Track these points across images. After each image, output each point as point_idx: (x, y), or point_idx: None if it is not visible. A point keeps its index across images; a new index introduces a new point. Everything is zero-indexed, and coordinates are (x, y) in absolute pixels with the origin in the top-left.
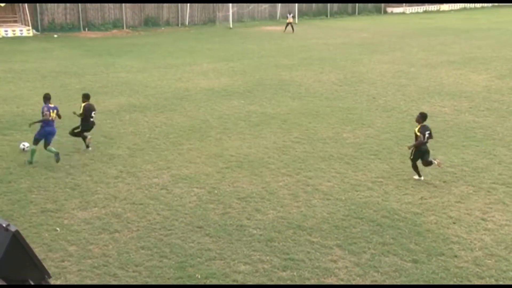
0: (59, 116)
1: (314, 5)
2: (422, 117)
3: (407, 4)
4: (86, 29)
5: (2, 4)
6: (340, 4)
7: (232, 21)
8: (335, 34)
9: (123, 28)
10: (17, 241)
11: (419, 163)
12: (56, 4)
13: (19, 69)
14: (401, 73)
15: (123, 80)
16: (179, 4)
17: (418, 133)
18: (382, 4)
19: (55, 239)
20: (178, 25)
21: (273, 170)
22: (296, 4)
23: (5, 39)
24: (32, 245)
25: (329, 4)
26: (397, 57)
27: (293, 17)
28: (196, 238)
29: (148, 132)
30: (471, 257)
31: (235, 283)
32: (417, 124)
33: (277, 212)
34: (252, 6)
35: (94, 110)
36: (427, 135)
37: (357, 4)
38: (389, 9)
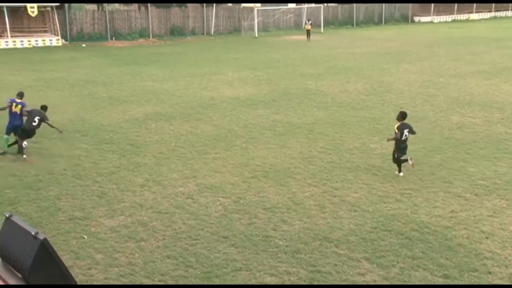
0: (22, 112)
1: (340, 14)
2: (402, 115)
3: (436, 13)
4: (113, 38)
5: (33, 14)
6: (366, 13)
7: (258, 30)
8: (361, 44)
9: (149, 37)
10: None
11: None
12: (84, 14)
13: (49, 78)
14: (429, 83)
15: (149, 89)
16: (205, 13)
17: (396, 130)
18: (409, 13)
19: (82, 247)
20: (203, 34)
21: (299, 181)
22: (322, 13)
23: (35, 49)
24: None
25: (355, 13)
26: (425, 66)
27: (311, 24)
28: (221, 248)
29: (173, 140)
30: (506, 274)
31: None
32: (397, 121)
33: (303, 223)
34: (277, 15)
35: (36, 116)
36: (405, 133)
37: (383, 13)
38: (416, 18)
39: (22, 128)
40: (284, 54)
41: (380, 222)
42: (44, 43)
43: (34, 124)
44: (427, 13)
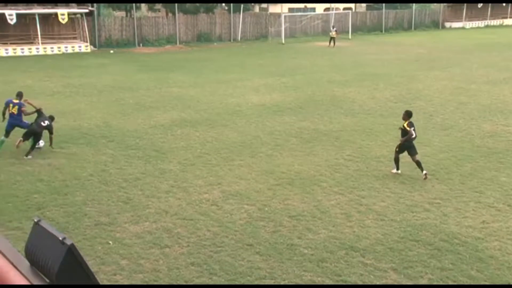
0: (22, 112)
1: (368, 20)
2: (408, 114)
3: (468, 18)
4: (141, 44)
5: (64, 21)
6: (395, 19)
7: (284, 36)
8: (390, 50)
9: (176, 43)
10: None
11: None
12: (113, 20)
13: (77, 84)
14: (460, 90)
15: (175, 95)
16: (232, 19)
17: (408, 128)
18: (440, 19)
19: (107, 253)
20: (230, 40)
21: (325, 188)
22: (350, 19)
23: (65, 55)
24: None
25: (383, 19)
26: (456, 73)
27: (336, 31)
28: (246, 256)
29: (199, 147)
30: None
31: None
32: (403, 121)
33: (329, 231)
34: (304, 21)
35: (45, 119)
36: (412, 132)
37: (413, 19)
38: (447, 24)
39: (29, 128)
40: (311, 61)
41: (408, 232)
42: (73, 50)
43: (43, 125)
44: (458, 18)
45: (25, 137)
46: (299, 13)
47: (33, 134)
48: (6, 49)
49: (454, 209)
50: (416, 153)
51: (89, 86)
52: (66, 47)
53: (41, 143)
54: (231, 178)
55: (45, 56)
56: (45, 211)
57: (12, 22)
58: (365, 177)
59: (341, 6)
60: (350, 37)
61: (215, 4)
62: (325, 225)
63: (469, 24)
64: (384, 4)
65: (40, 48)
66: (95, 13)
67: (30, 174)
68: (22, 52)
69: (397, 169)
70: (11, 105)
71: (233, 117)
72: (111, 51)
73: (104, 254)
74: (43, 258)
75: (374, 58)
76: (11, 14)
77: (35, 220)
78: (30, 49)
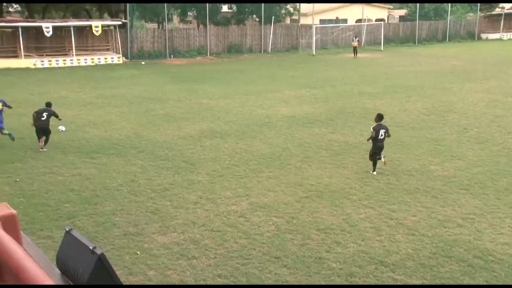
0: (8, 106)
1: (401, 31)
2: (378, 117)
3: (505, 29)
4: (172, 56)
5: (98, 33)
6: (429, 30)
7: (315, 48)
8: (423, 61)
9: (207, 55)
10: (102, 264)
11: None
12: (145, 32)
13: (109, 95)
14: (496, 102)
15: (205, 106)
16: (263, 31)
17: (372, 130)
18: (476, 30)
19: (135, 263)
20: (260, 51)
21: (355, 202)
22: (382, 30)
23: (98, 66)
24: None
25: (417, 30)
26: (492, 85)
27: (358, 41)
28: (273, 269)
29: (228, 158)
30: None
31: None
32: (374, 122)
33: (358, 245)
34: (336, 32)
35: (44, 112)
36: (382, 133)
37: (448, 30)
38: (483, 35)
39: (36, 126)
40: (342, 72)
41: (440, 247)
42: (106, 61)
43: (43, 119)
44: (495, 29)
45: (39, 135)
46: (331, 25)
47: (42, 130)
48: (42, 61)
49: (489, 225)
50: (378, 153)
51: (121, 97)
52: (99, 58)
53: (63, 128)
54: (260, 190)
55: (79, 67)
56: (75, 220)
57: (48, 35)
58: (396, 190)
59: (373, 17)
60: (382, 48)
61: (246, 15)
62: (354, 239)
63: (506, 35)
64: (417, 15)
65: (74, 60)
66: (128, 25)
67: (61, 183)
68: (57, 64)
69: (374, 169)
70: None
71: (263, 129)
72: (143, 63)
73: (132, 264)
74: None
75: (406, 70)
76: (47, 27)
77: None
78: (64, 60)
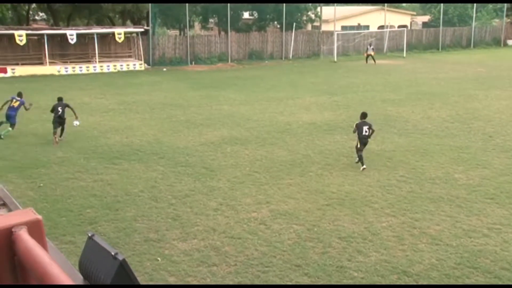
0: (25, 107)
1: (424, 38)
2: (362, 115)
3: None
4: (193, 62)
5: (120, 41)
6: (453, 37)
7: (337, 54)
8: (447, 68)
9: (228, 61)
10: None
11: None
12: (167, 39)
13: (131, 101)
14: None
15: (225, 113)
16: (284, 37)
17: (354, 126)
18: (502, 36)
19: (156, 269)
20: (281, 58)
21: (377, 210)
22: (405, 36)
23: (120, 73)
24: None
25: (440, 37)
26: None
27: (373, 49)
28: (294, 277)
29: (248, 165)
30: None
31: None
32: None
33: (380, 254)
34: (358, 39)
35: (58, 107)
36: (365, 129)
37: (472, 36)
38: (510, 42)
39: (54, 119)
40: (364, 79)
41: (465, 258)
42: (128, 68)
43: (60, 113)
44: None
45: (56, 127)
46: (352, 31)
47: (60, 123)
48: (66, 68)
49: None
50: (363, 149)
51: (142, 103)
52: (121, 65)
53: (77, 123)
54: (280, 197)
55: (101, 74)
56: (97, 225)
57: (72, 42)
58: (419, 199)
59: (396, 23)
60: (404, 55)
61: (267, 22)
62: (376, 247)
63: None
64: (441, 21)
65: (97, 66)
66: (150, 32)
67: (84, 189)
68: (81, 70)
69: (362, 164)
70: (14, 100)
71: (283, 136)
72: (164, 69)
73: (153, 271)
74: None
75: (429, 77)
76: (72, 34)
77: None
78: (87, 67)
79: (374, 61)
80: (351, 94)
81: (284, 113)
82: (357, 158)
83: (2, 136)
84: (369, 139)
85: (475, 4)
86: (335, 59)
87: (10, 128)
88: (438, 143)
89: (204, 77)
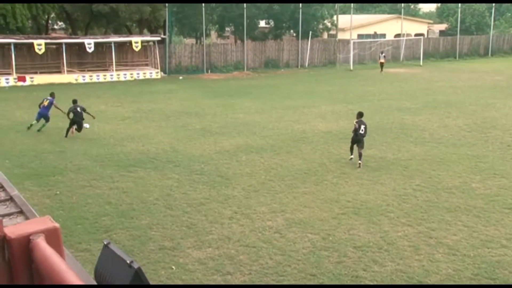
0: (55, 107)
1: (441, 46)
2: (359, 114)
3: None
4: (209, 71)
5: (137, 49)
6: (471, 45)
7: (353, 63)
8: (464, 77)
9: (243, 70)
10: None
11: None
12: (183, 47)
13: (147, 109)
14: None
15: (241, 121)
16: (300, 46)
17: (355, 123)
18: None
19: (170, 277)
20: (297, 67)
21: (392, 219)
22: (422, 45)
23: (136, 81)
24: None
25: (458, 45)
26: None
27: (385, 57)
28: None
29: (263, 173)
30: None
31: None
32: (356, 119)
33: (396, 264)
34: (374, 47)
35: (76, 108)
36: (362, 128)
37: (490, 45)
38: None
39: (73, 119)
40: (380, 88)
41: (483, 269)
42: (144, 76)
43: (78, 114)
44: None
45: (72, 126)
46: (369, 40)
47: (78, 123)
48: (83, 76)
49: None
50: (362, 147)
51: (158, 112)
52: (138, 73)
53: (87, 125)
54: (295, 205)
55: (118, 82)
56: (112, 233)
57: (90, 51)
58: (435, 208)
59: (413, 32)
60: (421, 63)
61: (283, 30)
62: (392, 257)
63: None
64: (458, 29)
65: (114, 75)
66: (167, 40)
67: (99, 196)
68: (98, 79)
69: (351, 154)
70: (45, 100)
71: (299, 144)
72: (180, 77)
73: (167, 279)
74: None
75: (446, 85)
76: (89, 43)
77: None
78: (105, 75)
79: (381, 69)
80: (367, 102)
81: (300, 122)
82: (350, 152)
83: (40, 130)
84: (364, 139)
85: (493, 12)
86: (351, 68)
87: (46, 123)
88: (455, 152)
89: (220, 85)
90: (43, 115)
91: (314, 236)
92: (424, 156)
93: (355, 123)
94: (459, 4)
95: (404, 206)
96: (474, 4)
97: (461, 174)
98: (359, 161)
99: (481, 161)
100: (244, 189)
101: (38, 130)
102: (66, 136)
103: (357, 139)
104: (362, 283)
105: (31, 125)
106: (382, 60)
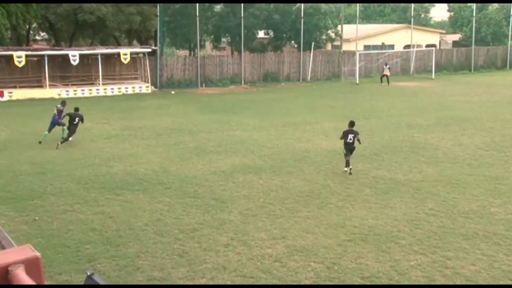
0: (57, 112)
1: (454, 58)
2: (350, 123)
3: None
4: (204, 85)
5: (126, 61)
6: (487, 57)
7: (359, 76)
8: (480, 91)
9: (241, 83)
10: None
11: None
12: (176, 59)
13: (136, 126)
14: None
15: (237, 139)
16: (301, 58)
17: (341, 133)
18: None
19: None
20: (299, 80)
21: (404, 247)
22: (434, 57)
23: (125, 96)
24: None
25: (473, 57)
26: None
27: (389, 69)
28: None
29: (262, 196)
30: None
31: None
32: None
33: None
34: (382, 59)
35: (76, 117)
36: (350, 137)
37: (508, 56)
38: None
39: (69, 129)
40: (388, 102)
41: None
42: (133, 90)
43: (75, 123)
44: None
45: (73, 133)
46: (376, 51)
47: (74, 131)
48: (67, 90)
49: None
50: (350, 155)
51: (148, 129)
52: (126, 88)
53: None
54: (297, 231)
55: (105, 97)
56: (96, 263)
57: (74, 63)
58: (451, 235)
59: (424, 42)
60: (433, 76)
61: (284, 41)
62: None
63: None
64: (473, 40)
65: (100, 89)
66: (158, 52)
67: (83, 222)
68: (83, 94)
69: (346, 166)
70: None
71: (300, 164)
72: (172, 92)
73: None
74: None
75: (461, 100)
76: (74, 55)
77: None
78: (90, 90)
79: (388, 83)
80: (374, 119)
81: (301, 139)
82: (346, 166)
83: (65, 138)
84: (354, 146)
85: (511, 21)
86: (357, 81)
87: (65, 129)
88: (471, 173)
89: (215, 100)
90: (57, 124)
91: (318, 265)
92: (437, 177)
93: (342, 133)
94: (474, 12)
95: (417, 233)
96: (490, 12)
97: (479, 197)
98: (349, 168)
99: (500, 183)
100: (242, 213)
101: (63, 140)
102: (61, 143)
103: (348, 148)
104: None
105: (46, 134)
106: (386, 73)
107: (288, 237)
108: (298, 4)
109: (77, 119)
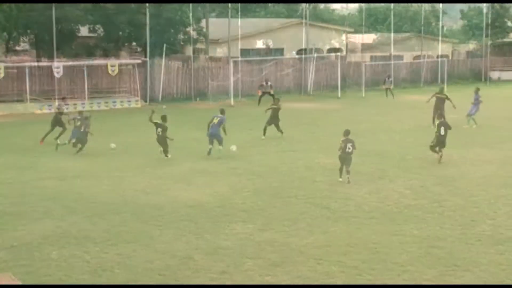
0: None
1: (469, 70)
2: (345, 132)
3: None
4: (198, 99)
5: (114, 73)
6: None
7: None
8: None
9: (238, 97)
10: None
11: None
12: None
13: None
14: None
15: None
16: (303, 69)
17: (341, 143)
18: None
19: None
20: (300, 93)
21: None
22: (446, 66)
23: (112, 111)
24: None
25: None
26: None
27: (391, 82)
28: None
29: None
30: None
31: None
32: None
33: None
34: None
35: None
36: (349, 146)
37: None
38: None
39: (77, 138)
40: (397, 116)
41: None
42: (122, 105)
43: (82, 131)
44: None
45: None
46: (382, 62)
47: (81, 140)
48: (49, 105)
49: None
50: (349, 165)
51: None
52: (114, 102)
53: (113, 145)
54: None
55: (91, 112)
56: None
57: (58, 76)
58: None
59: (434, 53)
60: (445, 89)
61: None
62: None
63: None
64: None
65: (85, 104)
66: (148, 63)
67: None
68: (67, 109)
69: (340, 176)
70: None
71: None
72: (164, 107)
73: None
74: None
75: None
76: (57, 66)
77: None
78: (75, 105)
79: (393, 96)
80: (381, 134)
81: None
82: (339, 174)
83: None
84: (351, 156)
85: None
86: (363, 94)
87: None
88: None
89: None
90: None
91: None
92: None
93: (341, 141)
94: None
95: None
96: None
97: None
98: (348, 176)
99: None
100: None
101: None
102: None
103: (344, 157)
104: None
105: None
106: (388, 86)
107: None
108: None
109: (83, 127)
